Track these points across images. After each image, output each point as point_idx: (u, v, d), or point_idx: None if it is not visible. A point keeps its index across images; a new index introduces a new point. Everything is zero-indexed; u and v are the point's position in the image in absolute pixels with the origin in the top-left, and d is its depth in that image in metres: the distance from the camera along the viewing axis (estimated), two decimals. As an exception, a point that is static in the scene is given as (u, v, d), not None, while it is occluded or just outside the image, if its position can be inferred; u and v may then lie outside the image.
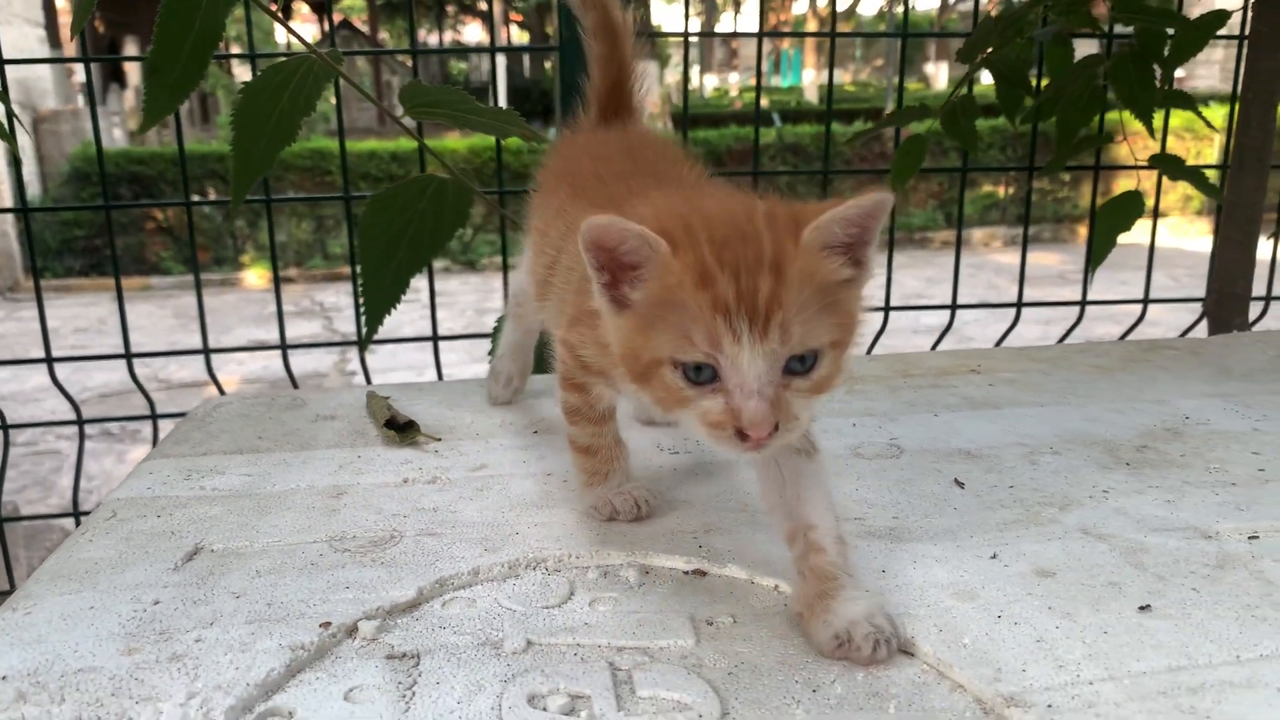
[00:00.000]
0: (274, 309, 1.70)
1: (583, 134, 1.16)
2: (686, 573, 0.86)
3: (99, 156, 1.64)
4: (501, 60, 12.71)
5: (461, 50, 14.86)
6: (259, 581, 0.83)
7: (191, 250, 1.69)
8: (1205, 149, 8.56)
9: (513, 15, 16.62)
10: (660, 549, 0.88)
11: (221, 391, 1.54)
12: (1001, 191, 9.94)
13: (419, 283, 1.45)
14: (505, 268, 1.72)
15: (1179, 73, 1.93)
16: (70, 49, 8.96)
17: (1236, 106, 1.70)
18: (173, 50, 1.18)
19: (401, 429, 1.17)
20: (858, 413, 1.23)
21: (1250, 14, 1.68)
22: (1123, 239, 1.70)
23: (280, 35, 12.61)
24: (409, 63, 2.04)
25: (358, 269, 1.36)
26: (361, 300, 1.36)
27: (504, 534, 0.92)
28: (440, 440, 1.17)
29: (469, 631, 0.76)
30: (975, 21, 1.68)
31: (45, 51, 9.75)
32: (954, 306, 1.86)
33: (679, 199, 0.78)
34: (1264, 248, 1.81)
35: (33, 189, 8.65)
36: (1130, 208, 1.68)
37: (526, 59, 16.52)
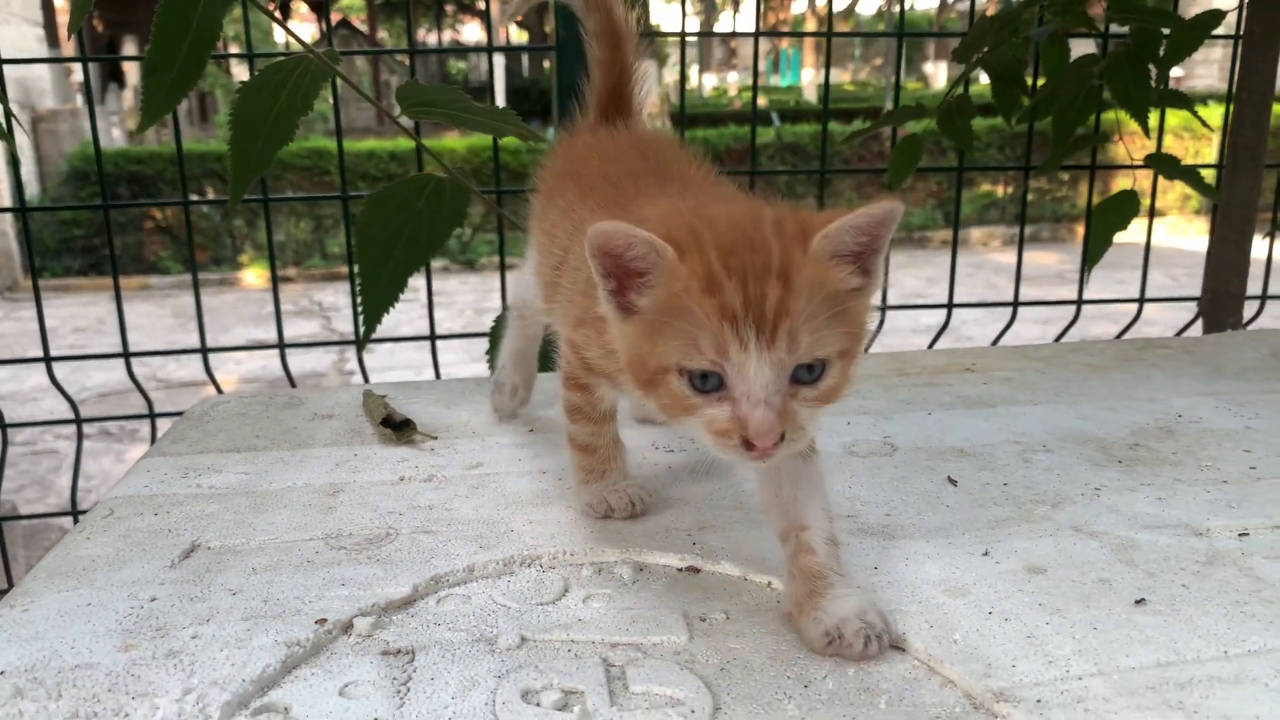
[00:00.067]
0: (272, 308, 1.70)
1: (589, 133, 1.13)
2: (680, 570, 0.86)
3: (97, 156, 1.64)
4: (500, 60, 12.72)
5: (460, 50, 14.86)
6: (255, 578, 0.84)
7: (190, 249, 1.69)
8: (1204, 149, 8.58)
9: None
10: (655, 546, 0.89)
11: (219, 391, 1.54)
12: (1000, 191, 9.94)
13: (417, 282, 1.46)
14: (503, 267, 1.72)
15: (1179, 71, 1.94)
16: (68, 48, 8.97)
17: (1231, 106, 1.71)
18: (171, 50, 1.18)
19: (398, 427, 1.17)
20: (852, 411, 1.24)
21: (1245, 14, 1.68)
22: (1120, 238, 1.70)
23: (279, 35, 12.63)
24: (407, 62, 2.04)
25: (355, 268, 1.36)
26: (359, 299, 1.37)
27: (499, 531, 0.92)
28: (436, 438, 1.17)
29: (464, 628, 0.77)
30: (971, 21, 1.68)
31: (43, 51, 9.75)
32: (950, 306, 1.86)
33: (686, 204, 0.78)
34: (1259, 247, 1.81)
35: (31, 188, 8.65)
36: (1126, 207, 1.68)
37: (525, 59, 16.53)
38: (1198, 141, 8.73)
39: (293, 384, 1.71)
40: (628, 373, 0.76)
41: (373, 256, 1.34)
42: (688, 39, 1.76)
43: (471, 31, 19.20)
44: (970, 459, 1.08)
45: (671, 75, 11.31)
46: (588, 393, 0.91)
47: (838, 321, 0.70)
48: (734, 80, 20.00)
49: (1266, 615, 0.76)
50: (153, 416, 1.70)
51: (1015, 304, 1.88)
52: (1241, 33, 1.70)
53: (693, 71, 18.26)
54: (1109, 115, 1.73)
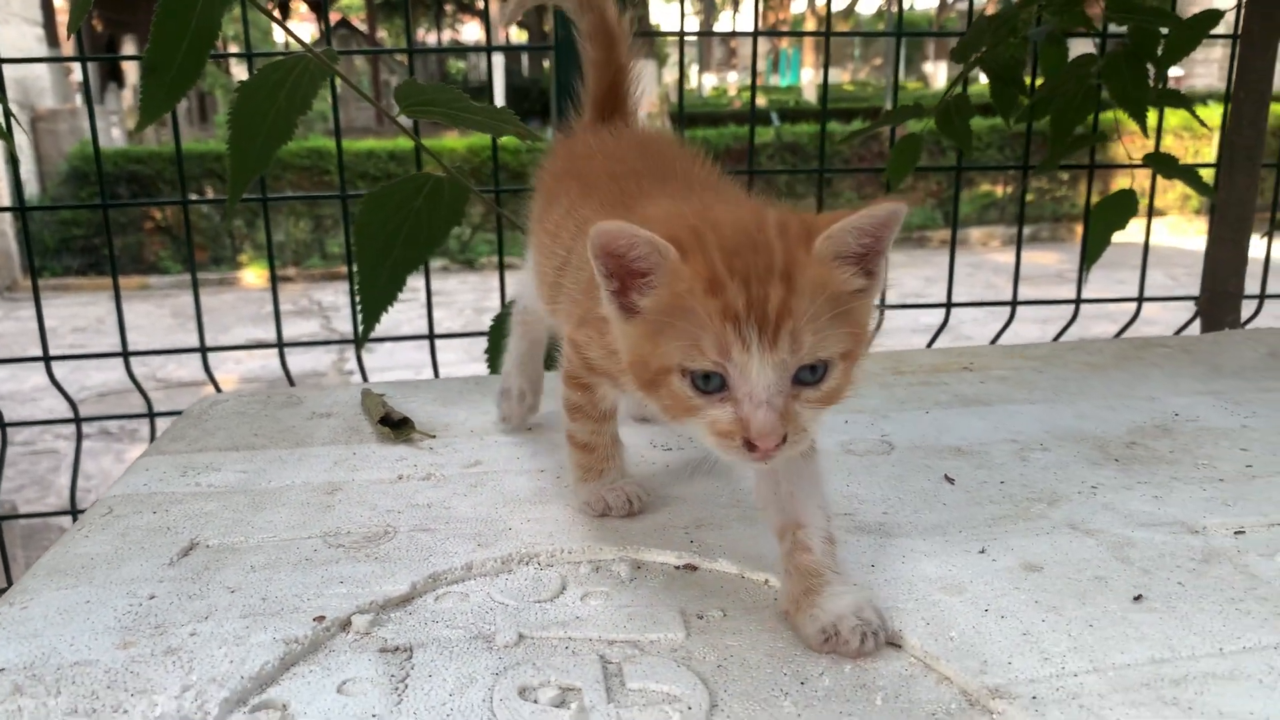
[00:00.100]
0: (271, 308, 1.70)
1: (590, 133, 1.13)
2: (677, 567, 0.86)
3: (96, 155, 1.64)
4: (499, 59, 12.70)
5: (459, 49, 14.85)
6: (254, 576, 0.84)
7: (189, 249, 1.69)
8: (1204, 148, 8.57)
9: (512, 14, 16.56)
10: (652, 544, 0.89)
11: (219, 390, 1.54)
12: (1000, 191, 9.94)
13: (416, 281, 1.46)
14: (502, 267, 1.72)
15: (1178, 71, 1.94)
16: (68, 48, 8.97)
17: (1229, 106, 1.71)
18: (170, 49, 1.18)
19: (396, 426, 1.18)
20: (850, 409, 1.24)
21: (1243, 13, 1.68)
22: (1119, 238, 1.70)
23: (278, 34, 12.62)
24: (406, 61, 2.04)
25: (354, 267, 1.36)
26: (358, 298, 1.37)
27: (497, 529, 0.93)
28: (435, 437, 1.17)
29: (461, 625, 0.77)
30: (970, 21, 1.69)
31: (43, 50, 9.76)
32: (949, 305, 1.87)
33: (689, 205, 0.78)
34: (1257, 246, 1.81)
35: (30, 188, 8.65)
36: (1125, 206, 1.68)
37: (525, 58, 16.51)
38: (1197, 141, 8.73)
39: (292, 383, 1.71)
40: (630, 373, 0.76)
41: (371, 255, 1.35)
42: (687, 39, 1.76)
43: (471, 31, 19.19)
44: (967, 457, 1.08)
45: (671, 75, 11.32)
46: (589, 392, 0.92)
47: (840, 322, 0.70)
48: (733, 80, 19.99)
49: (1261, 612, 0.76)
50: (152, 416, 1.70)
51: (1014, 303, 1.88)
52: (1239, 32, 1.70)
53: (692, 71, 18.26)
54: (1107, 115, 1.73)
